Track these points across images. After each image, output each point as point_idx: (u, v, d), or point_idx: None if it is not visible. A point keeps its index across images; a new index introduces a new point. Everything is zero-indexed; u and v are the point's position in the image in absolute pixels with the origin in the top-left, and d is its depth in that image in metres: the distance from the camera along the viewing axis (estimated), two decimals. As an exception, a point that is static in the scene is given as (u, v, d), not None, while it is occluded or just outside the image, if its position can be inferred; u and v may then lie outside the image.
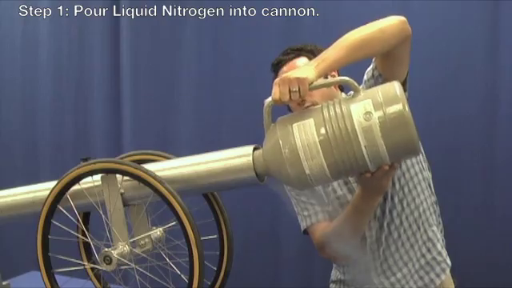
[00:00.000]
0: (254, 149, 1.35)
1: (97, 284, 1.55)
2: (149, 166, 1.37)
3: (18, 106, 3.32)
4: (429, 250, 1.72)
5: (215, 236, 1.54)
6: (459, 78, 2.24)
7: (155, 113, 2.91)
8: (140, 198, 1.40)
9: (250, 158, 1.33)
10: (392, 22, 1.55)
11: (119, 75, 2.99)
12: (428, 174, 1.77)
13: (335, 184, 1.71)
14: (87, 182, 1.39)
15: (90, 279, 1.56)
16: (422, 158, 1.74)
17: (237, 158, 1.35)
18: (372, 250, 1.70)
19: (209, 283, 1.53)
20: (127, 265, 1.35)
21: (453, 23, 2.24)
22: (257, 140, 1.47)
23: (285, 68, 1.73)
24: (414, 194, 1.69)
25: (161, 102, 2.89)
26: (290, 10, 2.55)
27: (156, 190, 1.27)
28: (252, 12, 2.63)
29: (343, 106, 1.22)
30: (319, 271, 2.15)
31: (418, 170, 1.72)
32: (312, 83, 1.29)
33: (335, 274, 1.88)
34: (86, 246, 1.58)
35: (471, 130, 2.25)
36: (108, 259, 1.32)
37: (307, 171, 1.21)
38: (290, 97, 1.29)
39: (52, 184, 1.40)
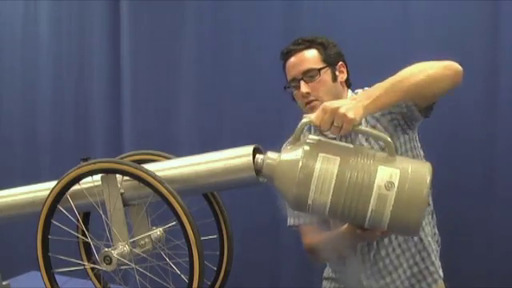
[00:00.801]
0: (254, 149, 1.35)
1: (97, 284, 1.55)
2: (149, 166, 1.37)
3: (18, 106, 3.32)
4: (423, 259, 1.72)
5: (215, 236, 1.54)
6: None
7: (155, 112, 2.91)
8: (140, 198, 1.40)
9: (250, 158, 1.32)
10: (450, 73, 1.54)
11: (119, 75, 2.99)
12: None
13: None
14: (87, 182, 1.39)
15: (90, 279, 1.56)
16: None
17: (237, 158, 1.35)
18: (362, 253, 1.71)
19: (209, 283, 1.53)
20: (127, 265, 1.35)
21: (453, 23, 2.24)
22: (257, 140, 1.47)
23: (293, 59, 1.73)
24: None
25: (161, 101, 2.89)
26: (289, 7, 2.55)
27: (156, 190, 1.27)
28: (252, 10, 2.63)
29: (372, 163, 1.21)
30: (319, 271, 2.14)
31: None
32: (356, 125, 1.28)
33: (327, 271, 1.89)
34: (86, 246, 1.58)
35: (471, 130, 2.25)
36: (108, 259, 1.32)
37: (309, 201, 1.22)
38: (330, 127, 1.28)
39: (52, 184, 1.40)
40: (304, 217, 1.78)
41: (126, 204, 1.40)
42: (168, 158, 1.52)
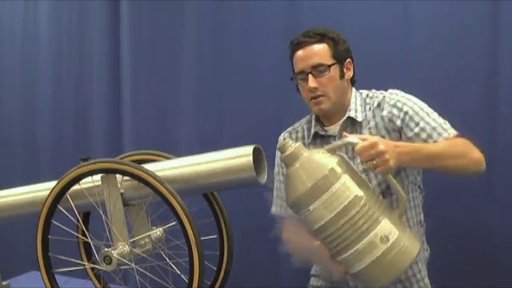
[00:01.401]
0: (254, 149, 1.35)
1: (97, 284, 1.55)
2: (149, 166, 1.37)
3: (18, 106, 3.32)
4: (410, 267, 1.71)
5: (215, 236, 1.54)
6: (459, 78, 2.24)
7: (155, 113, 2.91)
8: (140, 197, 1.41)
9: (250, 158, 1.33)
10: (476, 168, 1.64)
11: (119, 75, 2.99)
12: (420, 198, 1.80)
13: None
14: (87, 182, 1.39)
15: (90, 279, 1.56)
16: (420, 182, 1.79)
17: (237, 158, 1.35)
18: None
19: (209, 283, 1.53)
20: (127, 265, 1.35)
21: (453, 23, 2.24)
22: (257, 140, 1.47)
23: (303, 51, 1.70)
24: None
25: (161, 101, 2.89)
26: (289, 7, 2.54)
27: (156, 190, 1.27)
28: (252, 10, 2.63)
29: (382, 212, 1.28)
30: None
31: (416, 195, 1.76)
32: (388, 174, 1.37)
33: (315, 268, 1.90)
34: (86, 246, 1.58)
35: (471, 130, 2.25)
36: (108, 259, 1.32)
37: (311, 207, 1.25)
38: (368, 161, 1.35)
39: (52, 184, 1.40)
40: (286, 208, 1.77)
41: (126, 204, 1.40)
42: (168, 158, 1.52)
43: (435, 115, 1.69)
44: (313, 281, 1.92)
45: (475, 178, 2.18)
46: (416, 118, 1.66)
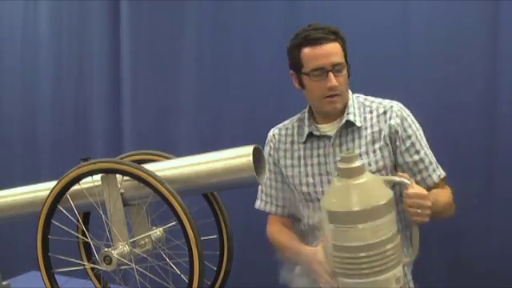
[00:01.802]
0: (254, 149, 1.35)
1: (97, 284, 1.55)
2: (149, 166, 1.37)
3: (18, 106, 3.32)
4: None
5: (215, 236, 1.54)
6: (459, 78, 2.24)
7: (155, 112, 2.91)
8: (140, 197, 1.40)
9: (250, 158, 1.33)
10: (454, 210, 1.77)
11: (119, 75, 2.99)
12: None
13: (317, 180, 1.74)
14: (87, 182, 1.39)
15: (90, 279, 1.56)
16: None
17: (237, 157, 1.35)
18: None
19: (209, 283, 1.53)
20: (127, 265, 1.35)
21: (453, 23, 2.24)
22: (257, 140, 1.47)
23: (322, 47, 1.67)
24: None
25: (161, 101, 2.89)
26: (289, 7, 2.55)
27: (156, 190, 1.27)
28: (252, 10, 2.63)
29: (402, 257, 1.34)
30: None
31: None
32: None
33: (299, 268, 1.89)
34: (86, 246, 1.58)
35: (471, 129, 2.25)
36: (108, 259, 1.32)
37: (360, 226, 1.25)
38: (413, 213, 1.43)
39: (52, 184, 1.40)
40: (275, 206, 1.85)
41: (126, 204, 1.40)
42: (168, 158, 1.52)
43: (428, 148, 1.77)
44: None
45: (475, 179, 2.19)
46: (417, 146, 1.72)
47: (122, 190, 1.38)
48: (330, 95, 1.69)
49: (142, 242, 1.43)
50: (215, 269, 1.53)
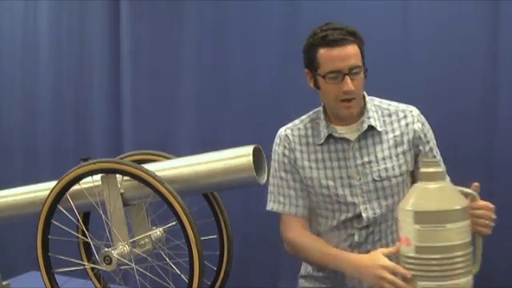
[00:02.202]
0: (254, 149, 1.35)
1: (97, 284, 1.55)
2: (149, 166, 1.37)
3: (18, 106, 3.32)
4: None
5: (215, 236, 1.54)
6: (459, 78, 2.24)
7: (155, 112, 2.91)
8: (140, 197, 1.41)
9: (250, 158, 1.33)
10: None
11: (119, 75, 2.99)
12: None
13: (338, 183, 1.70)
14: (87, 182, 1.39)
15: (90, 279, 1.56)
16: None
17: (237, 158, 1.36)
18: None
19: (209, 283, 1.53)
20: (127, 265, 1.35)
21: (453, 23, 2.24)
22: (257, 140, 1.47)
23: (339, 50, 1.61)
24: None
25: (161, 101, 2.89)
26: (289, 7, 2.55)
27: (156, 190, 1.27)
28: (252, 10, 2.63)
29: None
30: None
31: None
32: None
33: (305, 268, 1.88)
34: (86, 246, 1.58)
35: (471, 130, 2.25)
36: (108, 259, 1.32)
37: (448, 226, 1.27)
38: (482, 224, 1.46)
39: (52, 184, 1.40)
40: (295, 207, 1.75)
41: (126, 204, 1.40)
42: (168, 158, 1.52)
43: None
44: (303, 283, 1.87)
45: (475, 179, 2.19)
46: (434, 151, 1.73)
47: (122, 190, 1.38)
48: (345, 99, 1.64)
49: (142, 242, 1.44)
50: (215, 269, 1.54)
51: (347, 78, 1.61)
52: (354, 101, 1.65)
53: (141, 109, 2.93)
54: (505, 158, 2.18)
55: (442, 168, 1.32)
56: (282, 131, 1.80)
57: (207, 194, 1.54)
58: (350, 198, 1.69)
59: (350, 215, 1.70)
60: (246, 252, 2.50)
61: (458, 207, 1.28)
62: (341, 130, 1.71)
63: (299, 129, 1.78)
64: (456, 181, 2.15)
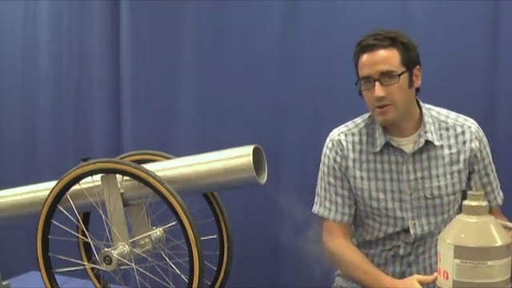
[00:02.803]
0: (254, 149, 1.35)
1: (97, 284, 1.55)
2: (149, 166, 1.37)
3: (18, 106, 3.32)
4: None
5: (215, 236, 1.54)
6: (459, 78, 2.24)
7: (155, 112, 2.91)
8: (140, 197, 1.41)
9: (250, 158, 1.33)
10: None
11: (119, 75, 2.99)
12: None
13: (388, 196, 1.67)
14: (87, 182, 1.39)
15: (90, 279, 1.56)
16: None
17: (237, 157, 1.35)
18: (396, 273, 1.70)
19: (209, 283, 1.53)
20: (127, 265, 1.35)
21: (453, 23, 2.24)
22: (257, 139, 1.47)
23: (371, 55, 1.57)
24: None
25: (161, 101, 2.88)
26: (289, 7, 2.54)
27: (156, 190, 1.27)
28: (252, 10, 2.63)
29: None
30: (319, 271, 2.14)
31: None
32: None
33: None
34: (86, 246, 1.58)
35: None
36: (108, 259, 1.32)
37: (489, 263, 1.24)
38: None
39: (52, 184, 1.40)
40: (341, 214, 1.72)
41: (126, 204, 1.40)
42: (168, 158, 1.52)
43: (494, 169, 1.74)
44: (340, 281, 1.84)
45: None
46: (489, 169, 1.70)
47: (122, 190, 1.38)
48: (379, 106, 1.58)
49: (142, 242, 1.43)
50: (215, 269, 1.54)
51: (376, 84, 1.56)
52: (388, 107, 1.58)
53: (141, 109, 2.93)
54: (505, 157, 2.18)
55: (486, 202, 1.27)
56: (335, 135, 1.73)
57: (207, 194, 1.54)
58: (399, 213, 1.66)
59: (397, 229, 1.68)
60: (246, 252, 2.50)
61: (501, 244, 1.24)
62: (398, 141, 1.66)
63: (353, 134, 1.72)
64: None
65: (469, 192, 1.30)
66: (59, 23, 3.15)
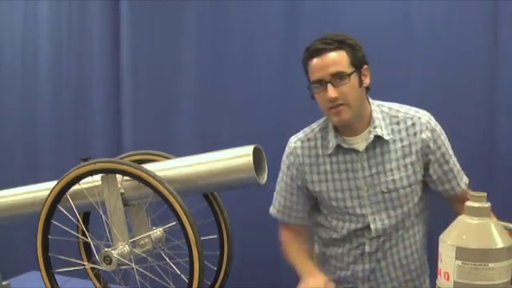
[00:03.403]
0: (254, 149, 1.35)
1: (97, 284, 1.55)
2: (149, 166, 1.37)
3: (18, 106, 3.32)
4: (418, 277, 1.77)
5: (215, 236, 1.54)
6: (459, 78, 2.24)
7: (155, 113, 2.91)
8: (140, 197, 1.41)
9: (250, 158, 1.33)
10: None
11: (119, 75, 2.99)
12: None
13: (346, 195, 1.71)
14: (87, 182, 1.39)
15: (90, 279, 1.56)
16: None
17: (237, 157, 1.36)
18: (363, 262, 1.74)
19: (209, 283, 1.53)
20: (127, 265, 1.35)
21: (453, 23, 2.24)
22: (257, 140, 1.47)
23: (320, 59, 1.62)
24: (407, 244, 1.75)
25: (161, 101, 2.88)
26: (290, 7, 2.54)
27: (156, 190, 1.27)
28: (252, 10, 2.63)
29: None
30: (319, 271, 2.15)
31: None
32: None
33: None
34: (86, 246, 1.58)
35: (471, 130, 2.25)
36: (108, 259, 1.32)
37: (490, 265, 1.23)
38: None
39: (52, 184, 1.40)
40: (288, 216, 1.82)
41: (126, 204, 1.40)
42: (168, 158, 1.52)
43: (454, 155, 1.75)
44: None
45: (474, 181, 2.19)
46: (447, 156, 1.71)
47: (122, 190, 1.38)
48: (333, 106, 1.62)
49: (142, 242, 1.44)
50: (215, 269, 1.54)
51: (329, 86, 1.60)
52: (342, 107, 1.61)
53: (141, 109, 2.93)
54: (504, 158, 2.18)
55: (488, 204, 1.26)
56: (292, 142, 1.79)
57: (207, 194, 1.54)
58: (358, 210, 1.70)
59: (359, 226, 1.71)
60: (246, 252, 2.50)
61: (503, 246, 1.24)
62: (350, 141, 1.69)
63: (309, 139, 1.76)
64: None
65: (470, 193, 1.30)
66: (59, 23, 3.15)
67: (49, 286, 1.38)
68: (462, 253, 1.25)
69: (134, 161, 1.47)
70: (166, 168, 1.41)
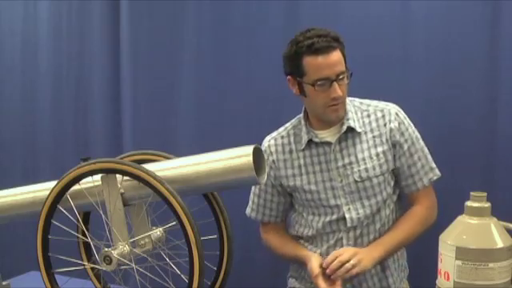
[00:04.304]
0: (254, 149, 1.35)
1: (97, 284, 1.55)
2: (149, 166, 1.37)
3: (18, 105, 3.32)
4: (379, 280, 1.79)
5: (215, 236, 1.54)
6: (459, 78, 2.24)
7: (155, 113, 2.91)
8: (140, 197, 1.41)
9: (250, 158, 1.33)
10: (433, 218, 1.81)
11: (119, 75, 2.99)
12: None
13: (320, 187, 1.74)
14: (87, 182, 1.39)
15: (90, 279, 1.56)
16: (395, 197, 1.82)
17: (237, 157, 1.35)
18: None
19: (209, 283, 1.53)
20: (127, 265, 1.35)
21: (453, 23, 2.24)
22: (257, 140, 1.47)
23: (326, 57, 1.64)
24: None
25: (161, 101, 2.89)
26: (290, 5, 2.54)
27: (156, 190, 1.27)
28: (252, 9, 2.63)
29: None
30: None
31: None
32: None
33: (292, 268, 1.91)
34: (86, 246, 1.58)
35: (470, 130, 2.25)
36: (108, 259, 1.32)
37: (490, 265, 1.24)
38: None
39: (52, 184, 1.40)
40: (262, 214, 1.88)
41: (126, 204, 1.40)
42: (168, 158, 1.52)
43: (424, 150, 1.77)
44: (293, 283, 1.92)
45: (474, 181, 2.19)
46: (412, 150, 1.74)
47: (122, 190, 1.38)
48: (334, 104, 1.68)
49: (142, 242, 1.44)
50: (215, 269, 1.54)
51: (335, 85, 1.65)
52: (340, 104, 1.69)
53: (141, 109, 2.93)
54: (504, 158, 2.18)
55: (488, 204, 1.27)
56: (266, 141, 1.87)
57: (207, 194, 1.53)
58: (332, 201, 1.73)
59: (334, 217, 1.74)
60: (246, 252, 2.50)
61: (503, 246, 1.24)
62: (322, 134, 1.75)
63: (282, 137, 1.83)
64: (455, 179, 2.16)
65: (471, 193, 1.30)
66: (59, 23, 3.15)
67: (49, 286, 1.38)
68: (461, 253, 1.25)
69: (134, 161, 1.47)
70: (166, 168, 1.40)
